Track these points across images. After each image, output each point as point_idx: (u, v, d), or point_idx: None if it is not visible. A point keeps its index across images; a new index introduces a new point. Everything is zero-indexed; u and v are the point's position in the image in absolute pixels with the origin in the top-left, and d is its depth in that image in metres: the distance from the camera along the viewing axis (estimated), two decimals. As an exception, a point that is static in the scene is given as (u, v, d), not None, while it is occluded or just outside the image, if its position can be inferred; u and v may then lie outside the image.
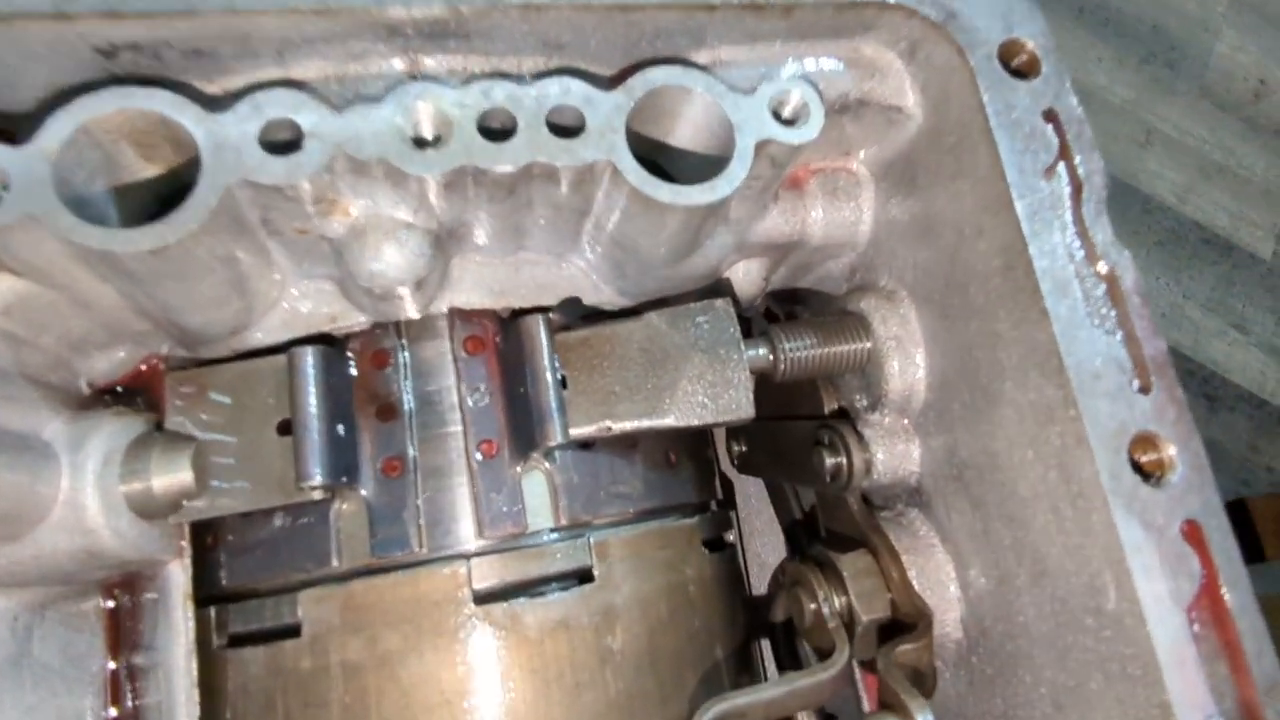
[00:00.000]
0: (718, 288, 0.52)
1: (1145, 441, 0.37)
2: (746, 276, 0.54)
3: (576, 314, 0.49)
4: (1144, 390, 0.37)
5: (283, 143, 0.35)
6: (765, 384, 0.49)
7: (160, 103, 0.34)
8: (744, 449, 0.65)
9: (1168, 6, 2.74)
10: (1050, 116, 0.41)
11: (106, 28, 0.33)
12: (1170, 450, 0.37)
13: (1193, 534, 0.36)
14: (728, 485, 0.66)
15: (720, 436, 0.66)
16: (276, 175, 0.35)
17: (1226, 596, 0.35)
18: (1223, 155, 2.62)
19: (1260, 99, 2.73)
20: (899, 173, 0.48)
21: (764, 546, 0.67)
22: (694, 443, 0.56)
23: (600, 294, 0.49)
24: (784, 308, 0.58)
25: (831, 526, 0.54)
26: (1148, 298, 0.39)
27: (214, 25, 0.34)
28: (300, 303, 0.44)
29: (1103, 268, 0.39)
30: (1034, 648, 0.40)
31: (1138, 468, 0.36)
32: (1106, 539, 0.35)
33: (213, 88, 0.37)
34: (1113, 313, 0.38)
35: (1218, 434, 2.28)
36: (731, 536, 0.57)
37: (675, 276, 0.48)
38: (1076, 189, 0.40)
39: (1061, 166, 0.40)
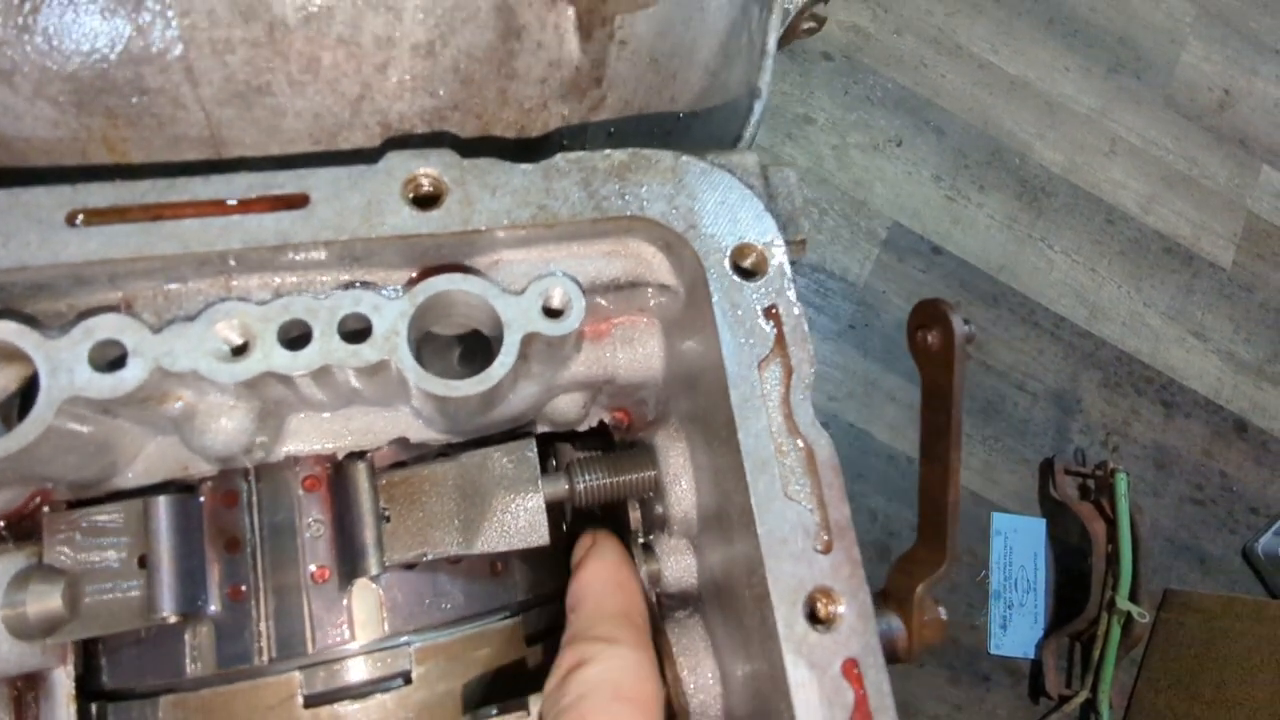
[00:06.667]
0: (526, 429, 0.60)
1: (823, 594, 0.45)
2: (570, 406, 0.62)
3: (409, 451, 0.58)
4: (825, 551, 0.46)
5: (111, 360, 0.44)
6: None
7: (7, 333, 0.43)
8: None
9: (1135, 17, 2.77)
10: (771, 313, 0.49)
11: (-44, 281, 0.41)
12: (841, 603, 0.45)
13: (850, 670, 0.44)
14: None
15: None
16: (103, 390, 0.43)
17: (875, 719, 0.44)
18: (1186, 165, 2.66)
19: (1224, 109, 2.77)
20: (678, 330, 0.56)
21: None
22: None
23: (426, 434, 0.57)
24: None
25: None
26: (838, 468, 0.47)
27: (46, 273, 0.42)
28: (157, 455, 0.52)
29: (801, 445, 0.47)
30: (760, 751, 0.49)
31: (814, 617, 0.45)
32: (783, 675, 0.44)
33: (60, 306, 0.45)
34: (807, 484, 0.46)
35: (1174, 440, 2.34)
36: (566, 623, 0.66)
37: (490, 421, 0.57)
38: (787, 376, 0.48)
39: (776, 358, 0.48)
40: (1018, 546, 2.07)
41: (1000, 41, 2.55)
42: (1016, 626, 2.00)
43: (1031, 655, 1.97)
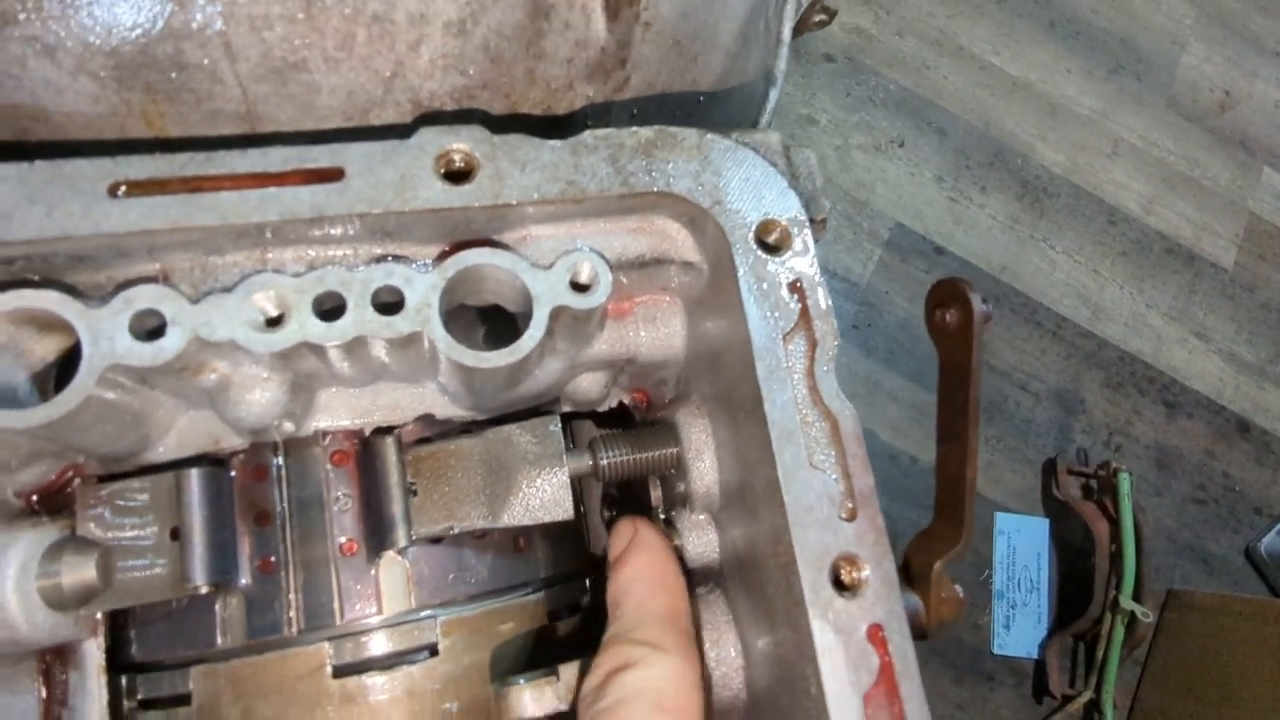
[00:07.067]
0: (549, 408, 0.61)
1: (848, 561, 0.46)
2: (591, 385, 0.63)
3: (434, 427, 0.58)
4: (850, 519, 0.46)
5: (150, 330, 0.44)
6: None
7: (50, 302, 0.43)
8: (614, 515, 0.74)
9: (1136, 19, 2.78)
10: (795, 287, 0.49)
11: (-2, 250, 0.42)
12: (866, 569, 0.46)
13: (875, 635, 0.45)
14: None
15: (594, 505, 0.75)
16: (143, 358, 0.44)
17: (900, 684, 0.44)
18: (1187, 166, 2.67)
19: (1225, 110, 2.78)
20: (700, 309, 0.56)
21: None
22: (558, 524, 0.64)
23: (451, 410, 0.58)
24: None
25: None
26: (861, 439, 0.48)
27: (89, 243, 0.43)
28: (189, 428, 0.53)
29: (825, 416, 0.48)
30: (784, 716, 0.50)
31: (839, 583, 0.45)
32: (809, 640, 0.44)
33: (99, 277, 0.46)
34: (831, 454, 0.47)
35: (1176, 440, 2.35)
36: (587, 601, 0.67)
37: (515, 397, 0.57)
38: (811, 348, 0.49)
39: (801, 331, 0.49)
40: (1021, 546, 2.08)
41: (1002, 43, 2.56)
42: (1020, 626, 2.01)
43: (1035, 655, 1.98)
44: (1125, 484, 1.98)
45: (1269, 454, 2.38)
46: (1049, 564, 2.09)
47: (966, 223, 2.42)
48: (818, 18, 0.92)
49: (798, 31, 0.88)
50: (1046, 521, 2.13)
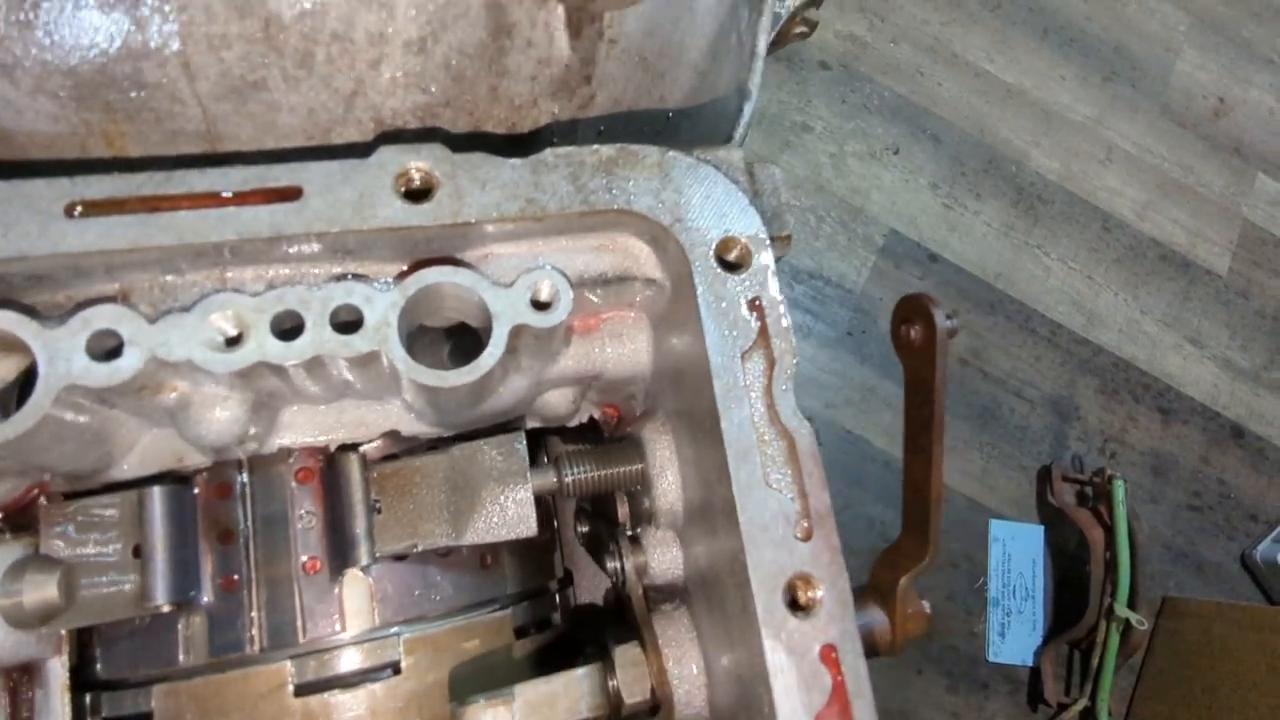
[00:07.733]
0: (515, 423, 0.61)
1: (803, 581, 0.46)
2: (560, 400, 0.63)
3: (400, 444, 0.58)
4: (805, 539, 0.46)
5: (108, 350, 0.45)
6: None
7: (6, 322, 0.43)
8: (586, 530, 0.74)
9: (1130, 26, 2.78)
10: (754, 305, 0.49)
11: (-43, 269, 0.42)
12: (821, 589, 0.46)
13: (828, 655, 0.45)
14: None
15: (569, 519, 0.75)
16: (100, 379, 0.44)
17: (852, 704, 0.44)
18: (1182, 173, 2.67)
19: (1219, 117, 2.78)
20: (664, 325, 0.56)
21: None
22: (525, 540, 0.64)
23: (417, 427, 0.58)
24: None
25: (624, 616, 0.63)
26: (818, 457, 0.48)
27: (45, 263, 0.43)
28: (152, 447, 0.53)
29: (782, 435, 0.48)
30: (745, 736, 0.50)
31: (794, 603, 0.45)
32: (762, 660, 0.44)
33: (59, 297, 0.46)
34: (788, 473, 0.47)
35: (1171, 446, 2.34)
36: (557, 618, 0.67)
37: (480, 414, 0.57)
38: (770, 367, 0.49)
39: (759, 349, 0.49)
40: (1016, 553, 2.07)
41: (996, 50, 2.56)
42: (1015, 634, 2.00)
43: (1030, 663, 1.97)
44: (1120, 491, 1.98)
45: (1264, 460, 2.37)
46: (1044, 571, 2.09)
47: (961, 230, 2.42)
48: (798, 30, 0.92)
49: (777, 44, 0.88)
50: (1041, 528, 2.13)
